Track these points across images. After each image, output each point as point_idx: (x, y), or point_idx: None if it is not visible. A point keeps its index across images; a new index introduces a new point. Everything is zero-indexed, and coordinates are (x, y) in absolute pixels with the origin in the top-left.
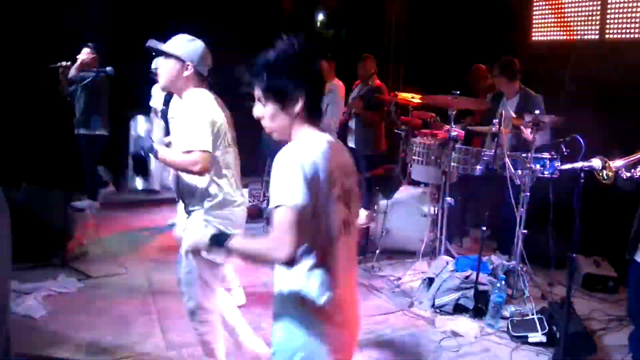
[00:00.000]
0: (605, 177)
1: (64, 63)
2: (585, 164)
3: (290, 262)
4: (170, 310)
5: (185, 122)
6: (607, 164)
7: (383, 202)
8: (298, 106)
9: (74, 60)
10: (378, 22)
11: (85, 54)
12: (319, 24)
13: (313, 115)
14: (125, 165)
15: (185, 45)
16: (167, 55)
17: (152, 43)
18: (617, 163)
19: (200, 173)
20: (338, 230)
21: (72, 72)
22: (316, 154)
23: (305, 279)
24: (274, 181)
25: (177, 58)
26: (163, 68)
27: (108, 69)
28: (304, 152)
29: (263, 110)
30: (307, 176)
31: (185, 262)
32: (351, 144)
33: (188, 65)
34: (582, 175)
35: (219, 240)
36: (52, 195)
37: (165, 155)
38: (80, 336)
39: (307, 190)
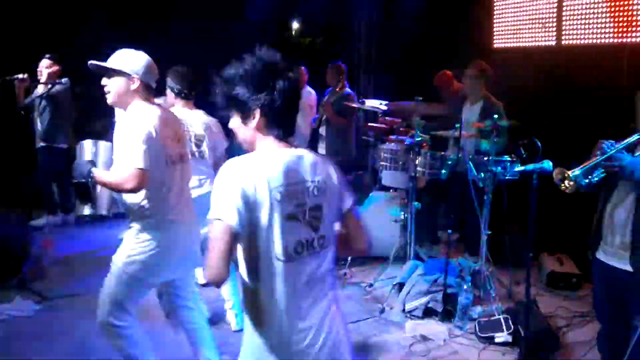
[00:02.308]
0: (567, 187)
1: (20, 76)
2: (537, 166)
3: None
4: None
5: (121, 138)
6: (565, 175)
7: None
8: (255, 120)
9: (31, 72)
10: (348, 31)
11: (47, 66)
12: (294, 32)
13: (276, 130)
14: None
15: (128, 59)
16: (112, 71)
17: (94, 62)
18: (576, 172)
19: (133, 190)
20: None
21: (41, 88)
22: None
23: None
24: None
25: (123, 73)
26: (110, 85)
27: (63, 80)
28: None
29: (233, 122)
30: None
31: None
32: (322, 151)
33: (134, 78)
34: (535, 177)
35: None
36: (10, 213)
37: (101, 177)
38: None
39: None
